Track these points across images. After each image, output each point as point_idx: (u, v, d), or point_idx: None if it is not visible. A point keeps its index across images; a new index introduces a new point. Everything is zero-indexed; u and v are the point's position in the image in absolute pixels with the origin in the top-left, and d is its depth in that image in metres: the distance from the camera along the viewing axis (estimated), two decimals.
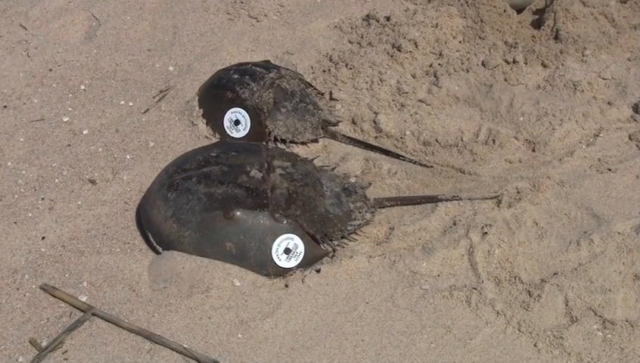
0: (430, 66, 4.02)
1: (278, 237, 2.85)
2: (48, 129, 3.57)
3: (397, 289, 2.81)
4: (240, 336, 2.61)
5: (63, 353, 2.53)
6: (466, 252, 2.93)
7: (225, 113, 3.56)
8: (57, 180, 3.28)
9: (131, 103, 3.78)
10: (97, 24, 4.37)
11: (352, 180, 3.27)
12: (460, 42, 4.19)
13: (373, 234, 3.08)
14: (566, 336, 2.60)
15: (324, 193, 3.05)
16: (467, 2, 4.40)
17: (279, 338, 2.62)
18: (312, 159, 3.28)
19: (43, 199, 3.17)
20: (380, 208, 3.18)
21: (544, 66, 4.04)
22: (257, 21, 4.50)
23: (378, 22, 4.35)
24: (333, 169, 3.29)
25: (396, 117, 3.70)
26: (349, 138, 3.64)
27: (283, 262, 2.85)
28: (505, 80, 3.94)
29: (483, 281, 2.82)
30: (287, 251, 2.86)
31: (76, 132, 3.56)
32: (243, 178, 2.93)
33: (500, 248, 2.92)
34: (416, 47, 4.05)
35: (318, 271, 2.85)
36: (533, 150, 3.54)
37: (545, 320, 2.67)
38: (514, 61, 3.99)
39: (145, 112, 3.72)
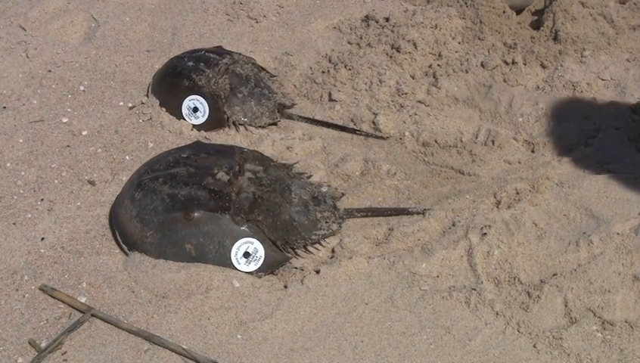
0: (429, 67, 4.02)
1: (237, 240, 2.84)
2: (47, 130, 3.56)
3: (396, 290, 2.80)
4: (239, 337, 2.61)
5: (62, 354, 2.53)
6: (465, 253, 2.93)
7: (183, 101, 3.63)
8: (56, 181, 3.28)
9: (130, 105, 3.78)
10: (97, 25, 4.37)
11: (324, 189, 3.24)
12: (459, 43, 4.19)
13: (372, 235, 3.08)
14: (566, 337, 2.59)
15: (291, 200, 3.02)
16: (466, 3, 4.41)
17: (278, 339, 2.62)
18: (291, 166, 3.26)
19: (42, 200, 3.17)
20: (349, 218, 3.15)
21: (543, 66, 4.04)
22: (256, 22, 4.50)
23: (377, 23, 4.35)
24: (309, 177, 3.28)
25: (395, 118, 3.71)
26: (305, 118, 3.76)
27: (242, 265, 2.85)
28: (504, 81, 3.95)
29: (482, 282, 2.82)
30: (246, 255, 2.84)
31: (76, 133, 3.56)
32: (209, 180, 2.91)
33: (499, 249, 2.92)
34: (415, 48, 4.05)
35: (318, 271, 2.85)
36: (532, 151, 3.55)
37: (544, 321, 2.67)
38: (513, 62, 3.99)
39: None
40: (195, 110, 3.61)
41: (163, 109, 3.68)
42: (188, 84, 3.64)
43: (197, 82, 3.64)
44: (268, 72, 3.97)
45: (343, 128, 3.71)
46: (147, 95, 3.80)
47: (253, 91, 3.70)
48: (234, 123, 3.62)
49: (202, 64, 3.70)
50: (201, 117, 3.62)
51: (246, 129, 3.62)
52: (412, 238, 3.03)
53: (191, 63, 3.72)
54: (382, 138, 3.65)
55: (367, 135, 3.67)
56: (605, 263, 2.84)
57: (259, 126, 3.66)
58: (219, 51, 3.87)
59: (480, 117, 3.76)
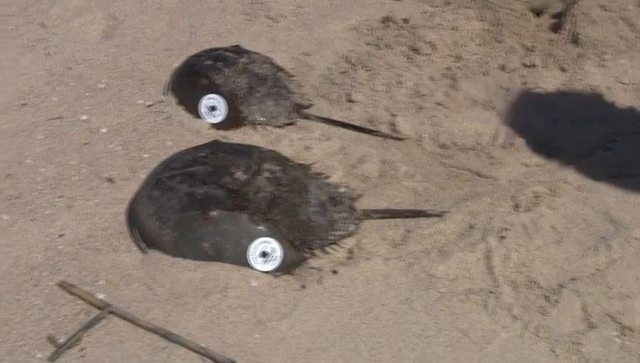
0: (448, 68, 4.02)
1: (254, 239, 2.84)
2: (66, 127, 3.58)
3: (413, 292, 2.80)
4: (257, 336, 2.61)
5: (80, 350, 2.54)
6: (483, 255, 2.91)
7: (201, 100, 3.64)
8: (75, 178, 3.30)
9: (148, 103, 3.79)
10: (116, 23, 4.40)
11: (342, 190, 3.21)
12: (478, 45, 4.18)
13: (389, 237, 3.07)
14: (585, 342, 2.57)
15: (308, 200, 3.01)
16: (485, 5, 4.40)
17: (295, 339, 2.62)
18: (308, 166, 3.26)
19: (61, 196, 3.18)
20: (366, 219, 3.13)
21: (562, 70, 4.02)
22: (274, 22, 4.51)
23: (396, 24, 4.35)
24: (327, 178, 3.27)
25: (413, 120, 3.70)
26: (322, 118, 3.75)
27: (259, 265, 2.84)
28: (523, 84, 3.93)
29: (499, 285, 2.81)
30: (263, 254, 2.84)
31: (94, 131, 3.58)
32: (227, 180, 2.92)
33: (517, 252, 2.90)
34: (434, 49, 4.05)
35: (335, 272, 2.85)
36: (551, 155, 3.53)
37: (562, 325, 2.65)
38: (532, 65, 3.98)
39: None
40: (213, 108, 3.62)
41: (181, 107, 3.69)
42: (206, 83, 3.66)
43: (214, 80, 3.65)
44: (285, 72, 3.98)
45: (361, 129, 3.70)
46: (166, 94, 3.81)
47: (270, 90, 3.71)
48: (251, 123, 3.62)
49: (220, 63, 3.72)
50: (219, 116, 3.63)
51: (264, 129, 3.63)
52: (430, 240, 3.02)
53: (208, 62, 3.74)
54: (400, 139, 3.65)
55: (385, 136, 3.66)
56: (624, 268, 2.82)
57: (277, 126, 3.66)
58: (237, 51, 3.88)
59: (498, 120, 3.74)
